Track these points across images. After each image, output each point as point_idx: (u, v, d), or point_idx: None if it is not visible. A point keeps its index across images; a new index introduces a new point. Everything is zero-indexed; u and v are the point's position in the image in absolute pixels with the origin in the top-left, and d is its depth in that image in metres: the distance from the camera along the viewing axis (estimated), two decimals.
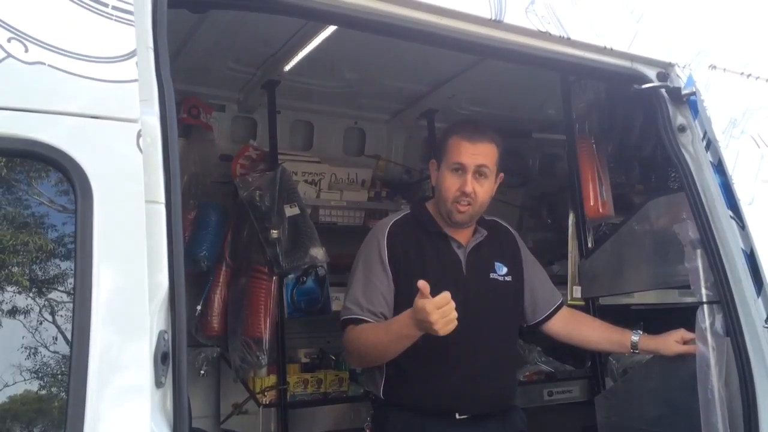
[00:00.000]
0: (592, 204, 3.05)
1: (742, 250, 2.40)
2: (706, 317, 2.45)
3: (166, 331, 1.42)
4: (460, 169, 2.51)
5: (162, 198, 1.50)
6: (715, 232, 2.43)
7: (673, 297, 3.32)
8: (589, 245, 3.11)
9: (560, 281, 3.46)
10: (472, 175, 2.50)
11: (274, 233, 3.34)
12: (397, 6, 2.12)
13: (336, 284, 3.65)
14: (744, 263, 2.38)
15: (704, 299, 2.46)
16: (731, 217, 2.43)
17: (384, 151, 4.44)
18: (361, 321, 2.45)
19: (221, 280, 3.56)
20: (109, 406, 1.31)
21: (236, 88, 3.81)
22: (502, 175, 2.63)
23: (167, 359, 1.41)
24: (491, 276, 2.64)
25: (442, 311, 2.09)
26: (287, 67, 3.48)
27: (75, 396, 1.28)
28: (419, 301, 2.12)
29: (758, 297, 2.35)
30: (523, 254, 2.77)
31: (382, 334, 2.38)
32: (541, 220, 4.74)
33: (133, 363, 1.36)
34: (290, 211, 3.39)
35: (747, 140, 2.53)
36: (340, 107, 4.15)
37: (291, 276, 3.48)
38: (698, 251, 2.49)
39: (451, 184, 2.53)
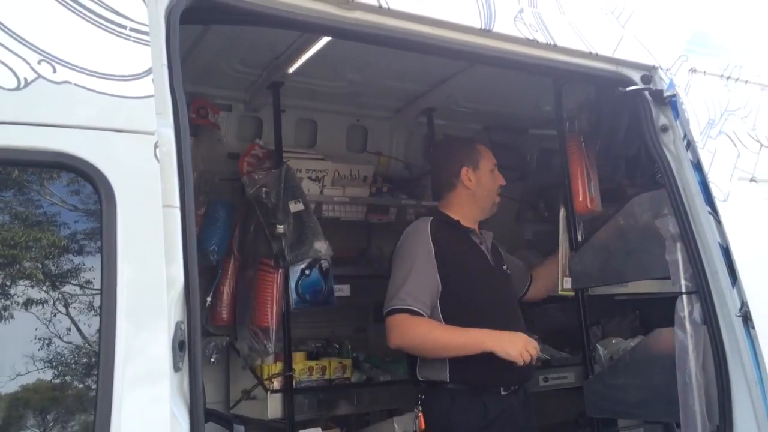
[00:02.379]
0: (580, 200, 3.20)
1: (719, 243, 2.55)
2: (684, 306, 2.61)
3: (182, 322, 1.59)
4: (495, 169, 3.26)
5: (177, 202, 1.67)
6: (693, 227, 2.59)
7: (666, 287, 3.47)
8: (579, 238, 3.26)
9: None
10: None
11: (280, 228, 3.49)
12: (391, 18, 2.28)
13: (339, 276, 3.82)
14: (720, 256, 2.54)
15: (683, 290, 2.62)
16: (709, 212, 2.58)
17: (386, 148, 4.57)
18: (417, 313, 2.86)
19: (230, 272, 3.70)
20: (133, 389, 1.48)
21: (242, 89, 3.95)
22: None
23: (184, 347, 1.58)
24: (503, 267, 3.27)
25: (528, 344, 2.82)
26: (291, 69, 3.61)
27: (104, 379, 1.46)
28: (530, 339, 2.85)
29: (733, 288, 2.50)
30: (502, 251, 3.43)
31: (458, 337, 2.86)
32: (539, 212, 4.88)
33: (154, 350, 1.53)
34: (295, 207, 3.54)
35: (724, 140, 2.67)
36: (342, 106, 4.28)
37: (296, 268, 3.63)
38: (678, 245, 2.64)
39: (493, 181, 3.24)
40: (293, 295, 3.63)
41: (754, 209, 2.62)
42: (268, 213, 3.55)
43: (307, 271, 3.66)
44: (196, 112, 3.79)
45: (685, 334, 2.58)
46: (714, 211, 2.55)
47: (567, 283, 3.25)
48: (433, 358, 2.96)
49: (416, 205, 4.23)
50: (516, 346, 2.79)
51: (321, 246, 3.58)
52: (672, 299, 2.90)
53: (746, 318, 2.42)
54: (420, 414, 2.95)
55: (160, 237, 1.60)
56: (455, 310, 2.95)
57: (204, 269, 3.72)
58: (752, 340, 2.41)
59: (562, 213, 3.33)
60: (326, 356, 3.91)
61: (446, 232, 3.07)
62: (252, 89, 3.93)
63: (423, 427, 2.92)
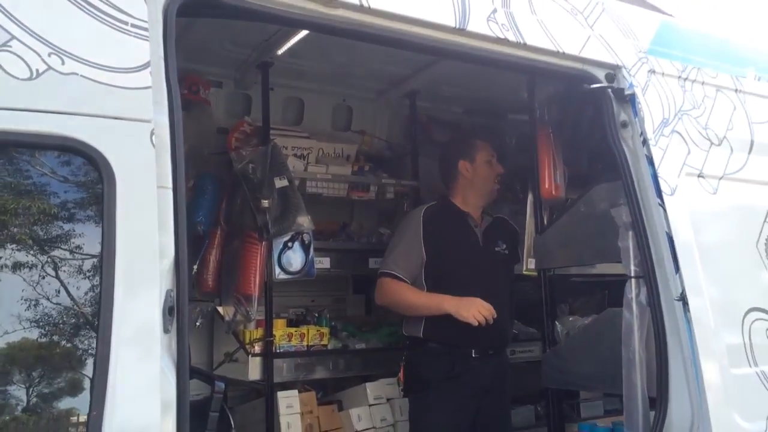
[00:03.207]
0: (546, 186, 3.42)
1: (666, 233, 2.77)
2: (632, 289, 2.84)
3: (172, 290, 1.80)
4: (492, 159, 3.69)
5: (170, 184, 1.87)
6: (644, 217, 2.80)
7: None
8: (545, 223, 3.49)
9: None
10: None
11: (265, 203, 3.68)
12: (371, 16, 2.46)
13: (320, 249, 4.04)
14: (667, 245, 2.76)
15: (632, 274, 2.85)
16: (659, 204, 2.80)
17: (369, 127, 4.74)
18: (399, 278, 3.43)
19: (216, 243, 3.88)
20: (128, 347, 1.70)
21: (233, 67, 4.09)
22: None
23: (173, 311, 1.79)
24: (496, 249, 3.64)
25: (482, 307, 3.25)
26: (280, 51, 3.78)
27: (102, 338, 1.67)
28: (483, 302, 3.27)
29: (676, 274, 2.73)
30: (515, 237, 3.78)
31: (424, 300, 3.41)
32: (515, 193, 5.09)
33: (146, 314, 1.75)
34: (279, 183, 3.73)
35: (676, 138, 2.88)
36: (329, 86, 4.44)
37: (279, 241, 3.83)
38: (630, 233, 2.86)
39: (490, 171, 3.69)
40: (276, 266, 3.84)
41: (697, 203, 2.84)
42: (253, 188, 3.74)
43: (289, 244, 3.85)
44: (188, 89, 3.93)
45: (632, 315, 2.81)
46: (663, 203, 2.77)
47: (531, 263, 3.49)
48: (410, 317, 3.54)
49: (396, 184, 4.44)
50: (470, 308, 3.26)
51: (303, 220, 3.78)
52: None
53: (685, 302, 2.65)
54: (401, 366, 3.52)
55: (154, 214, 1.80)
56: (437, 280, 3.47)
57: (192, 239, 3.93)
58: (689, 322, 2.65)
59: (529, 198, 3.56)
60: (305, 324, 4.13)
61: (441, 215, 3.61)
62: (242, 68, 4.08)
63: (402, 377, 3.48)
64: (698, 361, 2.62)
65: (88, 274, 1.76)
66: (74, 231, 1.79)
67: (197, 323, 3.96)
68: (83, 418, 1.66)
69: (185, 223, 1.87)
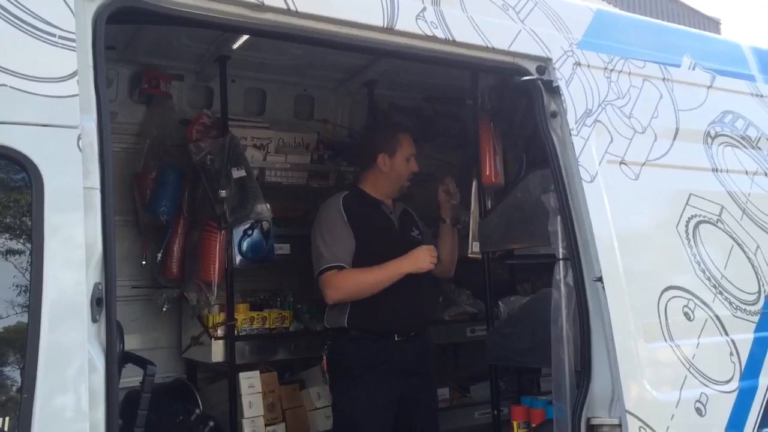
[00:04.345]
0: (487, 173, 3.57)
1: (591, 218, 2.93)
2: (560, 271, 3.00)
3: (100, 283, 1.96)
4: (411, 158, 3.74)
5: (97, 185, 2.03)
6: (571, 203, 2.95)
7: None
8: (488, 208, 3.65)
9: None
10: None
11: (222, 193, 3.85)
12: (299, 19, 2.58)
13: (279, 236, 4.21)
14: (592, 229, 2.91)
15: (560, 256, 3.01)
16: (585, 191, 2.95)
17: (331, 116, 4.90)
18: (341, 268, 3.44)
19: (179, 231, 4.08)
20: (58, 334, 1.87)
21: (192, 61, 4.23)
22: None
23: (101, 303, 1.96)
24: (412, 234, 3.77)
25: (430, 251, 3.52)
26: (235, 45, 3.91)
27: (33, 326, 1.84)
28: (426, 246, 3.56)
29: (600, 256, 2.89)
30: (421, 227, 3.92)
31: (379, 273, 3.46)
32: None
33: (75, 305, 1.91)
34: (237, 173, 3.89)
35: (599, 127, 3.03)
36: (290, 77, 4.57)
37: (240, 228, 4.00)
38: (558, 217, 3.02)
39: (406, 169, 3.74)
40: (237, 253, 4.01)
41: (618, 188, 2.99)
42: (212, 178, 3.91)
43: (249, 231, 4.03)
44: (148, 83, 4.11)
45: (560, 295, 2.97)
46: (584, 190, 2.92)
47: (475, 246, 3.65)
48: (333, 308, 3.56)
49: (355, 171, 4.58)
50: (424, 259, 3.50)
51: (261, 209, 3.96)
52: None
53: (602, 282, 2.80)
54: (324, 357, 3.54)
55: (81, 213, 1.95)
56: (363, 265, 3.50)
57: (156, 228, 4.11)
58: (607, 301, 2.81)
59: (474, 185, 3.71)
60: (269, 308, 4.30)
61: (357, 203, 3.66)
62: (201, 61, 4.22)
63: (326, 368, 3.52)
64: (613, 338, 2.77)
65: (18, 268, 1.92)
66: (5, 229, 1.95)
67: (163, 308, 4.16)
68: (15, 403, 1.82)
69: (113, 220, 2.03)
